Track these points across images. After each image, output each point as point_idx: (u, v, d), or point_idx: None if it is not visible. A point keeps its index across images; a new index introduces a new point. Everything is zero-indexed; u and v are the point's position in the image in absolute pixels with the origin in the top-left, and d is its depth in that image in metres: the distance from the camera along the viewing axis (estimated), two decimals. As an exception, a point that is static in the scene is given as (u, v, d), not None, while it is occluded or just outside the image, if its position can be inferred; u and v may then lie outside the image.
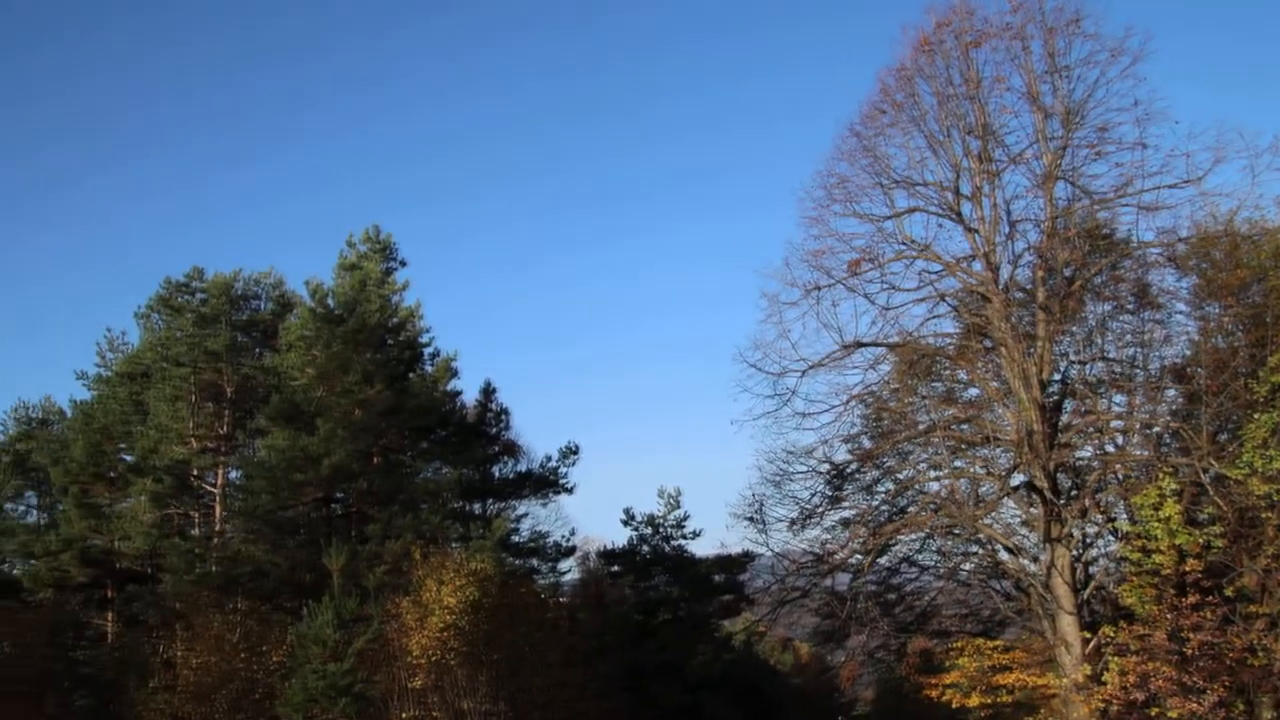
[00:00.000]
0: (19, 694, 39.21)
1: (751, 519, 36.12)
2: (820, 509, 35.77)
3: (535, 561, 45.13)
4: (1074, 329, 32.50)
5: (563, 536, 47.16)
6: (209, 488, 43.20)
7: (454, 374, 42.20)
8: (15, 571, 47.51)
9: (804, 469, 35.66)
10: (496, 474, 45.21)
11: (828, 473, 35.39)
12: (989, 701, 34.46)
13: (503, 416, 45.32)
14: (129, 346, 49.42)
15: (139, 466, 42.07)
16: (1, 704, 38.54)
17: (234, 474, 43.69)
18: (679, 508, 53.22)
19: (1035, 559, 31.94)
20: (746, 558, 49.81)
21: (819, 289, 32.20)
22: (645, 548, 53.22)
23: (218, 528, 42.03)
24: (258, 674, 33.48)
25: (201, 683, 33.38)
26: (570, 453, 45.53)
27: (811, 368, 32.86)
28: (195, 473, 42.85)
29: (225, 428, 42.82)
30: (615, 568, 54.72)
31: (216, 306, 43.11)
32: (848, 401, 33.47)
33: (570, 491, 45.79)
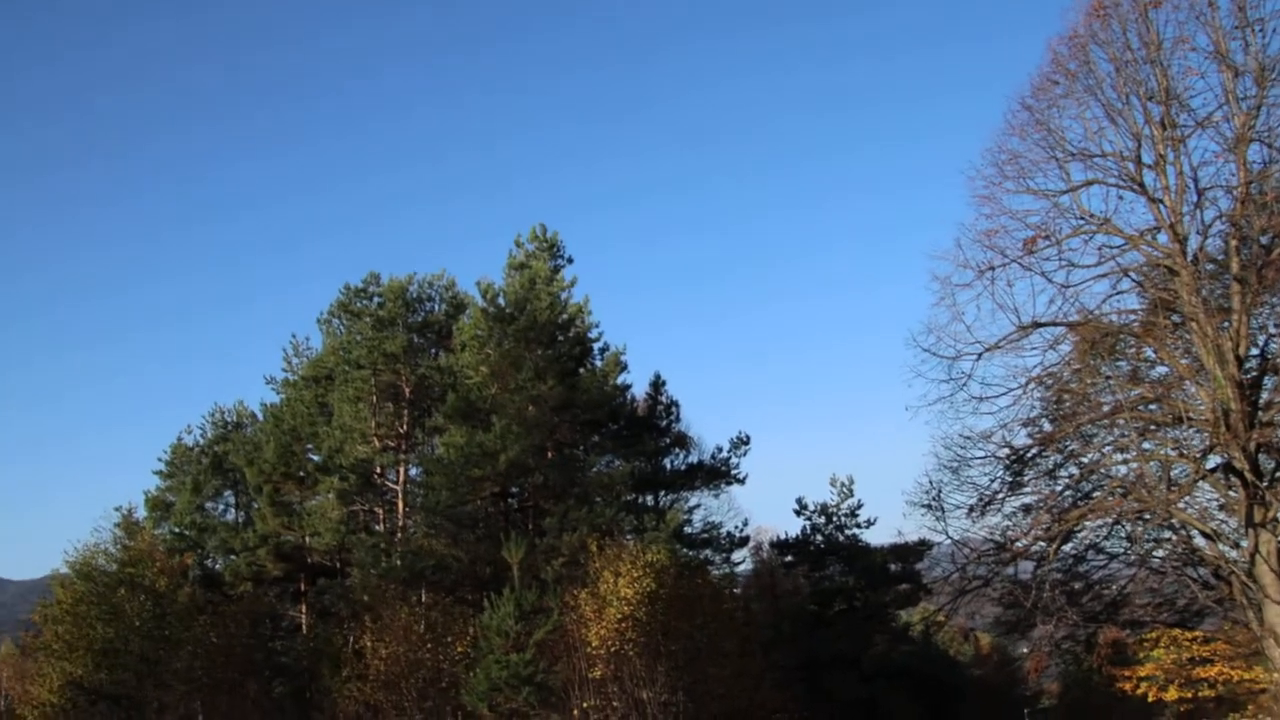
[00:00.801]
0: (226, 681, 41.52)
1: (928, 506, 35.11)
2: (1000, 495, 34.53)
3: (708, 553, 45.10)
4: (1273, 300, 30.53)
5: (735, 527, 47.02)
6: (391, 485, 44.74)
7: (623, 368, 42.53)
8: (218, 566, 50.30)
9: (982, 454, 34.46)
10: (668, 466, 45.39)
11: (1007, 458, 34.15)
12: (1188, 696, 32.80)
13: (672, 409, 45.48)
14: (313, 351, 51.66)
15: (326, 465, 43.93)
16: (210, 691, 40.84)
17: (414, 471, 45.13)
18: (852, 496, 52.48)
19: (1236, 545, 30.13)
20: (923, 546, 48.66)
21: (992, 269, 31.02)
22: (819, 537, 52.64)
23: (400, 523, 43.48)
24: (443, 663, 34.50)
25: (390, 672, 34.62)
26: (741, 443, 45.37)
27: (987, 350, 31.74)
28: (378, 470, 44.47)
29: (404, 426, 44.25)
30: (788, 558, 54.30)
31: (393, 310, 44.58)
32: (1026, 384, 32.20)
33: (742, 482, 45.63)
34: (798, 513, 53.46)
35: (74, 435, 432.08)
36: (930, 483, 35.38)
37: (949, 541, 36.41)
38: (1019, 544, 33.93)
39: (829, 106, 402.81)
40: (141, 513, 52.64)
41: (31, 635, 47.28)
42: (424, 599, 38.14)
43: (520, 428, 37.36)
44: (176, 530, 52.78)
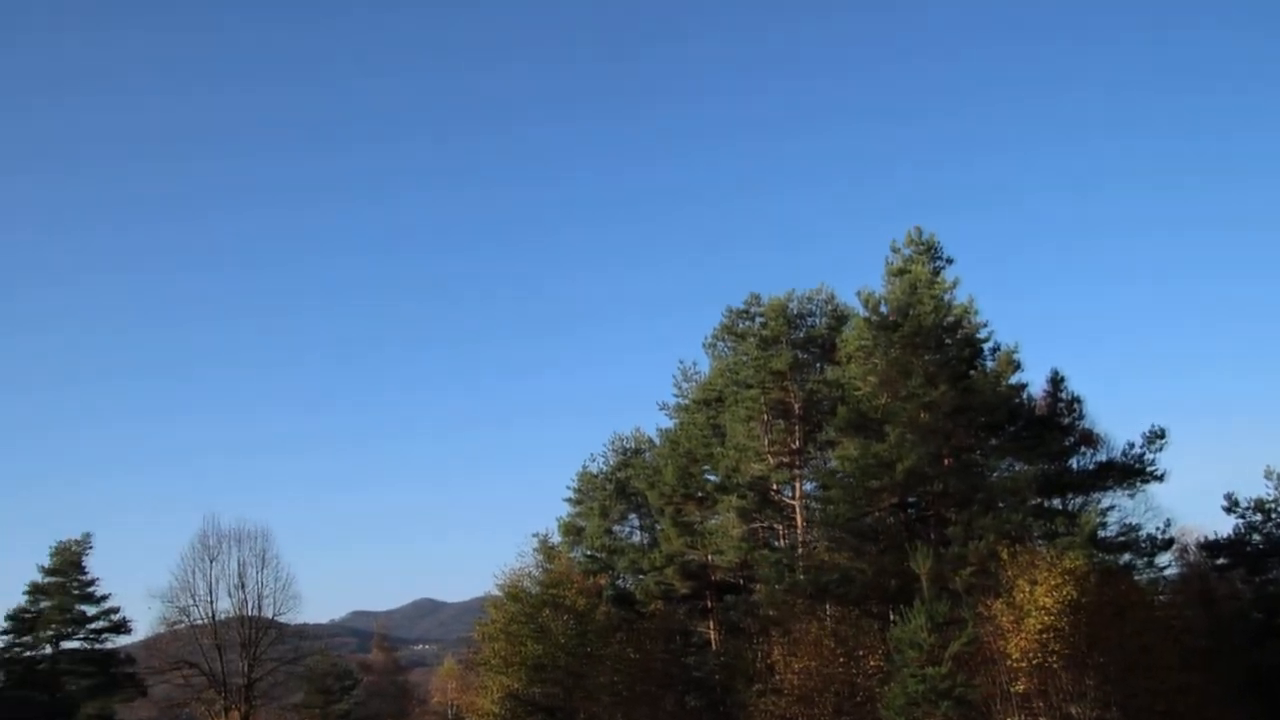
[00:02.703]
0: (644, 694, 43.44)
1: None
2: None
3: (1128, 557, 41.81)
4: None
5: (1156, 528, 43.31)
6: (788, 500, 45.13)
7: (1017, 367, 40.51)
8: (629, 585, 52.80)
9: None
10: (1075, 466, 42.65)
11: None
12: None
13: (1075, 406, 42.69)
14: (700, 375, 53.25)
15: (723, 485, 45.07)
16: (630, 704, 42.85)
17: (809, 486, 45.30)
18: (1292, 489, 47.02)
19: None
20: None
21: None
22: (1256, 536, 47.54)
23: (800, 537, 43.72)
24: (856, 677, 34.23)
25: (804, 686, 34.80)
26: (1156, 437, 41.78)
27: None
28: (774, 487, 45.02)
29: (797, 442, 44.53)
30: (1221, 560, 49.43)
31: (776, 328, 45.11)
32: None
33: (1160, 479, 41.94)
34: (1228, 510, 48.60)
35: (488, 471, 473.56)
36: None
37: None
38: None
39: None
40: (557, 538, 56.43)
41: (472, 652, 51.90)
42: (830, 612, 38.11)
43: (915, 436, 36.56)
44: (589, 553, 56.06)
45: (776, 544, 46.54)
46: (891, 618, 38.78)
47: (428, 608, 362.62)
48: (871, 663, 33.94)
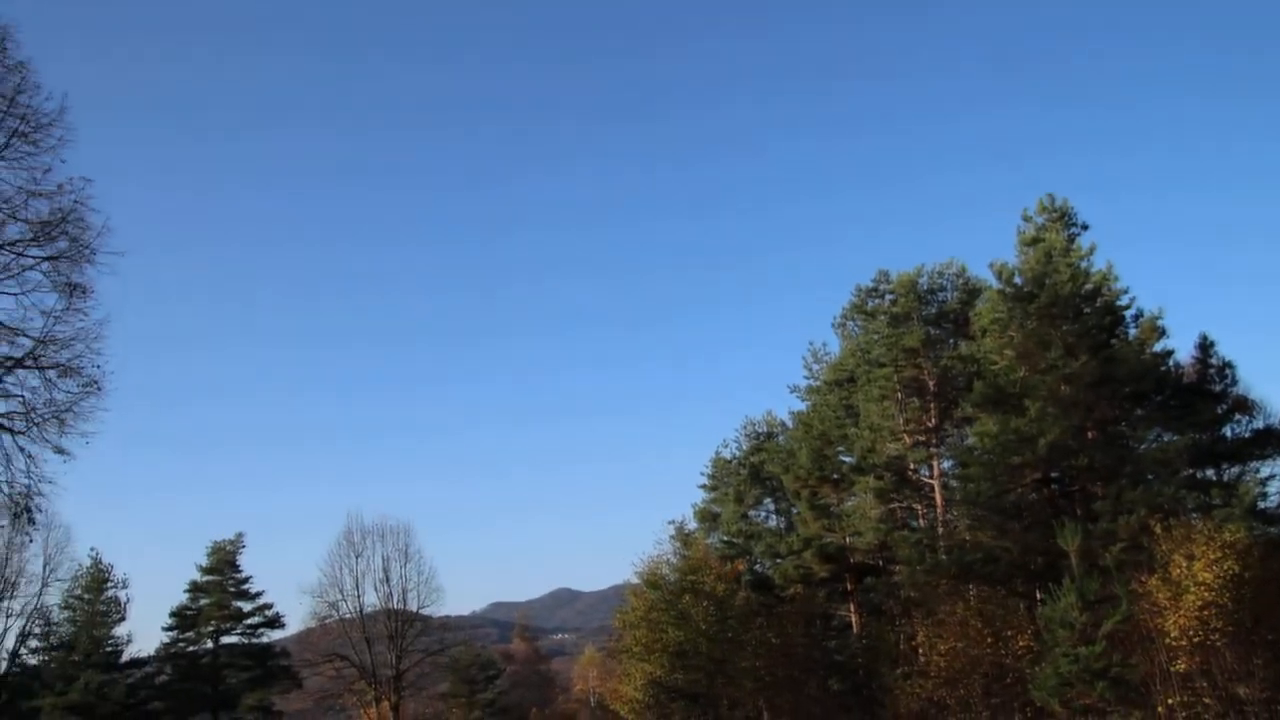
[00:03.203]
0: (786, 679, 43.24)
1: None
2: None
3: (1292, 528, 39.90)
4: None
5: (1324, 497, 41.22)
6: (926, 480, 44.33)
7: (1162, 334, 38.92)
8: (767, 570, 52.61)
9: None
10: (1229, 435, 40.82)
11: None
12: None
13: (1226, 371, 40.83)
14: (831, 356, 52.67)
15: (859, 466, 44.48)
16: (773, 689, 42.72)
17: (947, 464, 44.44)
18: None
19: None
20: None
21: None
22: None
23: (940, 517, 42.90)
24: (1005, 659, 33.42)
25: (950, 668, 34.13)
26: (1317, 402, 39.82)
27: None
28: (911, 466, 44.27)
29: (933, 420, 43.70)
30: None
31: (906, 305, 44.31)
32: None
33: (1324, 446, 39.85)
34: None
35: (616, 464, 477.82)
36: None
37: None
38: None
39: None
40: (693, 524, 56.59)
41: (613, 640, 52.45)
42: (974, 593, 37.30)
43: (1056, 409, 35.45)
44: (726, 538, 56.07)
45: (915, 524, 45.78)
46: (1038, 596, 37.78)
47: (565, 597, 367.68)
48: (1020, 643, 33.04)
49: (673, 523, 54.37)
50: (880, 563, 47.47)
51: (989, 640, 33.51)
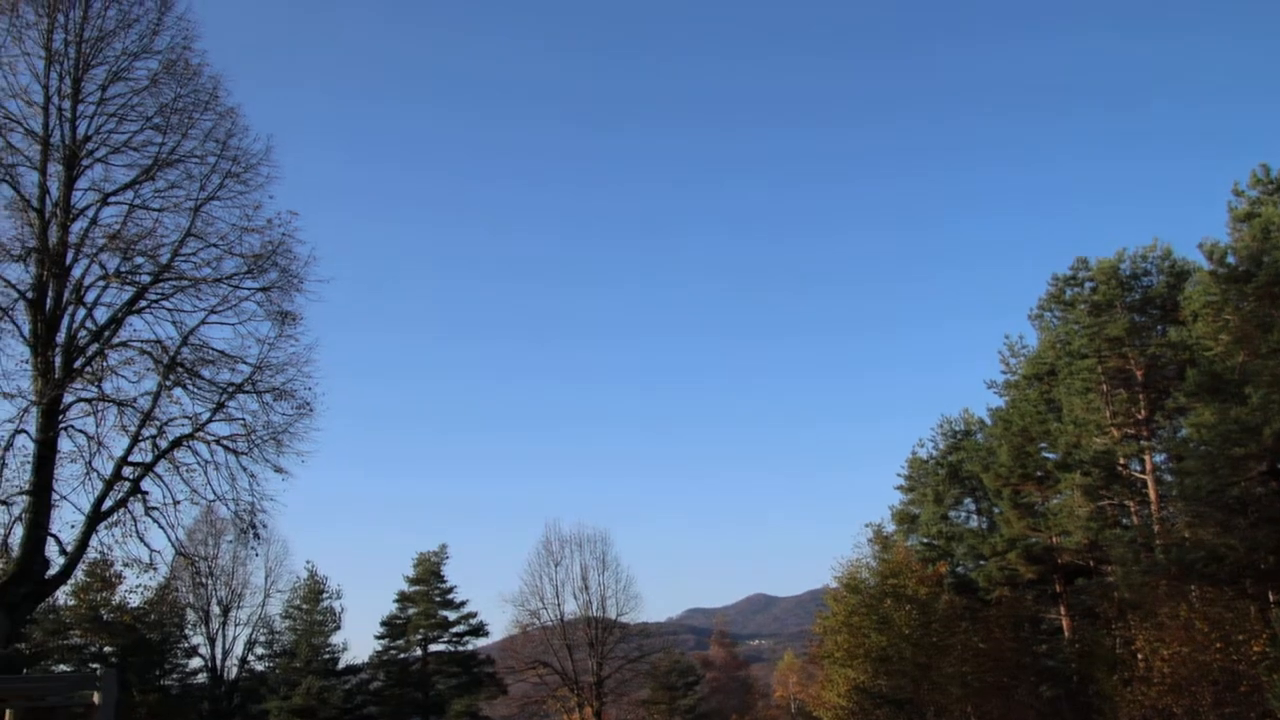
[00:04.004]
0: (994, 685, 41.76)
1: None
2: None
3: None
4: None
5: None
6: (1138, 475, 42.05)
7: (1398, 309, 35.82)
8: (969, 572, 50.97)
9: None
10: None
11: None
12: None
13: None
14: (1028, 349, 50.63)
15: (1064, 462, 42.52)
16: (981, 695, 41.32)
17: (1160, 457, 42.10)
18: None
19: None
20: None
21: None
22: None
23: (1155, 514, 40.61)
24: (1238, 665, 31.24)
25: (1176, 674, 32.18)
26: None
27: None
28: (1121, 461, 42.03)
29: (1142, 411, 41.43)
30: None
31: (1108, 292, 42.15)
32: None
33: None
34: None
35: (815, 464, 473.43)
36: None
37: None
38: None
39: None
40: (890, 526, 55.35)
41: (814, 645, 51.82)
42: (1197, 593, 35.09)
43: (1281, 395, 33.04)
44: (925, 540, 54.58)
45: (1128, 522, 43.45)
46: (1271, 598, 35.27)
47: (761, 603, 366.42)
48: (1255, 648, 30.80)
49: (870, 525, 53.30)
50: (1091, 563, 45.33)
51: (1217, 645, 31.36)
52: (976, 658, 41.39)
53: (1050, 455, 44.98)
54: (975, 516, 56.22)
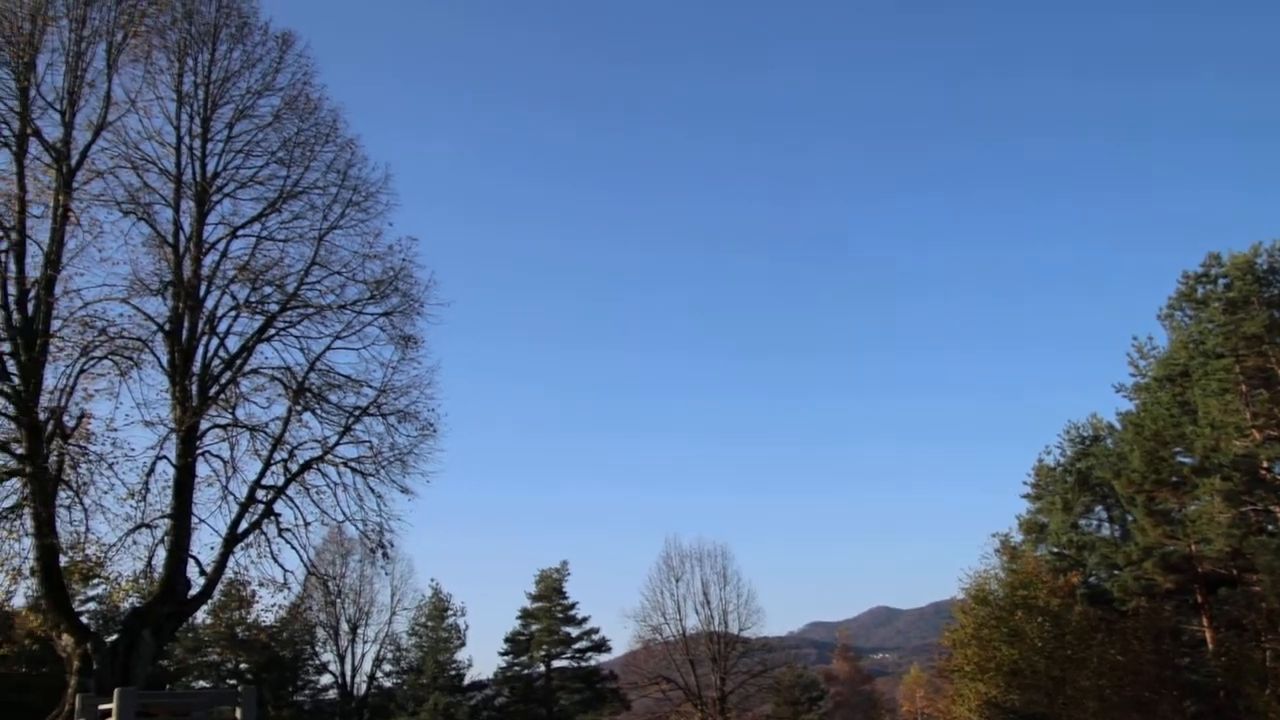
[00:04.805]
0: (1134, 701, 40.25)
1: None
2: None
3: None
4: None
5: None
6: (1282, 479, 40.21)
7: None
8: (1103, 582, 49.26)
9: None
10: None
11: None
12: None
13: None
14: (1159, 350, 48.90)
15: (1202, 467, 40.87)
16: (1120, 709, 39.85)
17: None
18: None
19: None
20: None
21: None
22: None
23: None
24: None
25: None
26: None
27: None
28: (1264, 464, 40.22)
29: (1286, 412, 39.65)
30: None
31: (1243, 288, 40.49)
32: None
33: None
34: None
35: (934, 475, 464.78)
36: None
37: None
38: None
39: None
40: (1018, 536, 53.81)
41: (943, 659, 50.58)
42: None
43: None
44: (1055, 550, 52.92)
45: (1273, 529, 41.52)
46: None
47: (883, 616, 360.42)
48: None
49: (997, 535, 51.88)
50: (1235, 571, 43.34)
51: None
52: (1114, 671, 39.96)
53: (1186, 460, 43.28)
54: (1107, 524, 54.29)
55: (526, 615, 73.03)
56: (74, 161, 25.32)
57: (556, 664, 71.92)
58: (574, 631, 72.23)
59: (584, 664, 72.70)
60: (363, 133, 30.39)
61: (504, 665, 72.31)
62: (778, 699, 78.79)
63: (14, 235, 24.37)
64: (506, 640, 72.63)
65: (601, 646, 72.64)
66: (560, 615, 72.29)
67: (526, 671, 72.04)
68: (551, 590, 72.92)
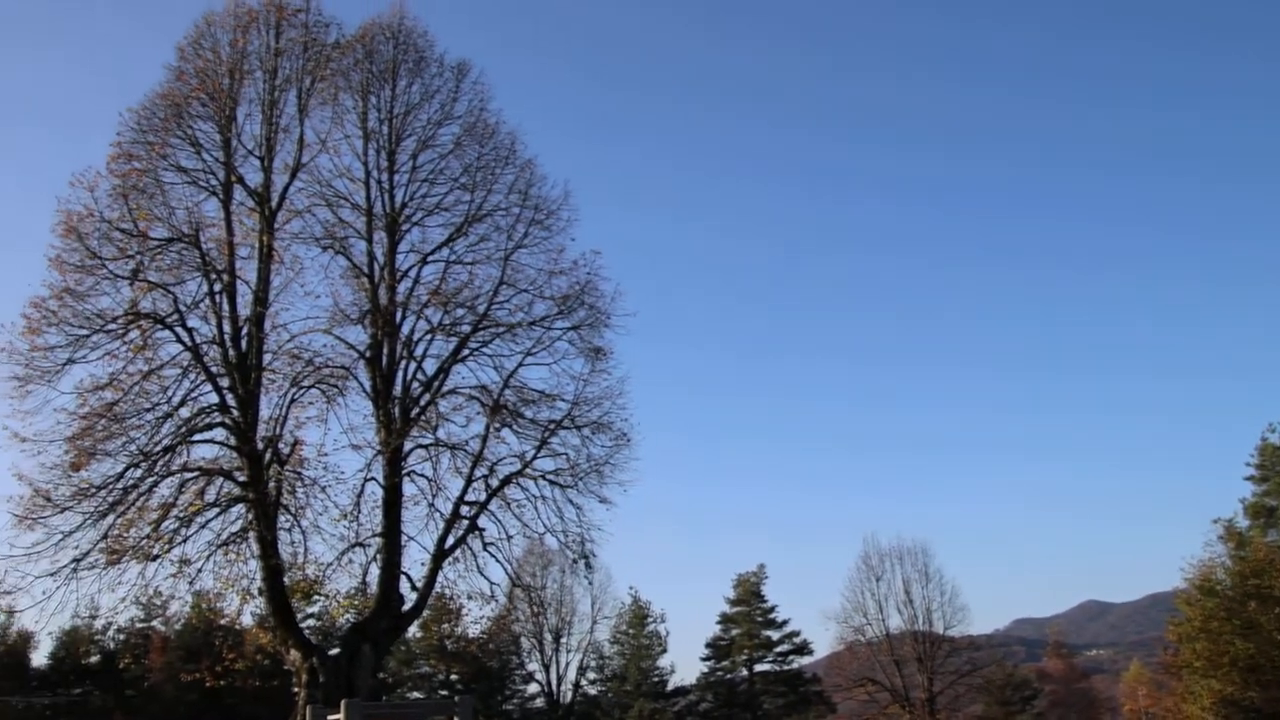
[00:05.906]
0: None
1: None
2: None
3: None
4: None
5: None
6: None
7: None
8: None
9: None
10: None
11: None
12: None
13: None
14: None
15: None
16: None
17: None
18: None
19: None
20: None
21: None
22: None
23: None
24: None
25: None
26: None
27: None
28: None
29: None
30: None
31: None
32: None
33: None
34: None
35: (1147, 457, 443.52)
36: None
37: None
38: None
39: None
40: (1243, 521, 50.49)
41: (1169, 654, 47.85)
42: None
43: None
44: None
45: None
46: None
47: (1094, 610, 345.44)
48: None
49: (1219, 521, 48.68)
50: None
51: None
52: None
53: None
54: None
55: (726, 620, 73.06)
56: (274, 203, 26.92)
57: (759, 668, 71.68)
58: (775, 635, 71.87)
59: (786, 667, 72.24)
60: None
61: (706, 670, 72.55)
62: (988, 699, 76.35)
63: (225, 277, 26.09)
64: (707, 645, 72.87)
65: (803, 649, 72.01)
66: (760, 619, 72.05)
67: (729, 676, 72.06)
68: (750, 594, 72.74)
